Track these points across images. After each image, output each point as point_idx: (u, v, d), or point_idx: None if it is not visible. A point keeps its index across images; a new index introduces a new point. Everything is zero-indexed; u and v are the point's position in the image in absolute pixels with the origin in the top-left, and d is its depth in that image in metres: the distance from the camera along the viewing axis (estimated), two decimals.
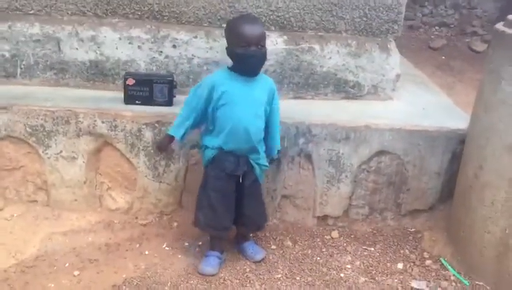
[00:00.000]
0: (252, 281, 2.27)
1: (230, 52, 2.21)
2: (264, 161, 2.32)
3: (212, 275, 2.27)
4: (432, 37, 6.45)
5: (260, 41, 2.15)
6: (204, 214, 2.29)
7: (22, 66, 2.68)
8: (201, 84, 2.25)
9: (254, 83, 2.22)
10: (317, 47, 2.75)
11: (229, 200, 2.28)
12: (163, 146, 2.40)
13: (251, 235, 2.48)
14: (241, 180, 2.27)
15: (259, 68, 2.22)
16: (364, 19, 2.79)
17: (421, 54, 5.74)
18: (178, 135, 2.26)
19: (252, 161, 2.27)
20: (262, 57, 2.19)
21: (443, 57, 5.77)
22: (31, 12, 2.68)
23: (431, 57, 5.74)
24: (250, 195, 2.32)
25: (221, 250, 2.35)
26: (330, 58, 2.77)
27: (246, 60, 2.15)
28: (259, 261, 2.37)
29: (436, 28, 6.69)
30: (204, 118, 2.26)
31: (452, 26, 6.72)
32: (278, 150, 2.40)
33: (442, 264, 2.42)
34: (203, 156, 2.32)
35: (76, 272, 2.26)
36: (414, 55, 5.51)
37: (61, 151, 2.51)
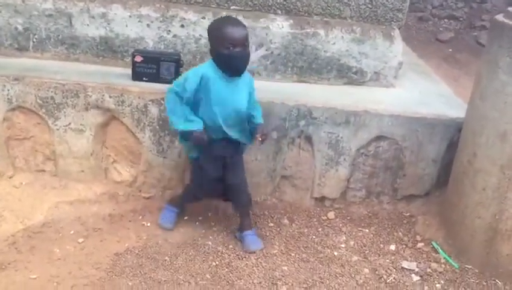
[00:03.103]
0: (247, 255, 2.36)
1: (215, 53, 2.23)
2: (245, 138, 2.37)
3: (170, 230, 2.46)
4: (440, 29, 6.44)
5: (244, 42, 2.19)
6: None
7: (34, 40, 2.76)
8: (189, 75, 2.23)
9: (237, 82, 2.27)
10: (322, 32, 2.81)
11: (219, 184, 2.39)
12: (204, 141, 2.26)
13: (252, 223, 2.49)
14: (228, 160, 2.36)
15: (244, 69, 2.25)
16: (370, 6, 2.84)
17: (429, 46, 5.76)
18: (201, 126, 2.25)
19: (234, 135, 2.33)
20: (246, 58, 2.23)
21: (450, 50, 5.78)
22: None
23: (438, 49, 5.75)
24: (233, 170, 2.40)
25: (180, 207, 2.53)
26: (334, 43, 2.83)
27: (231, 61, 2.19)
28: (253, 252, 2.38)
29: (445, 20, 6.68)
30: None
31: (461, 19, 6.70)
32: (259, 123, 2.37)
33: (434, 247, 2.49)
34: (189, 149, 2.41)
35: (80, 240, 2.36)
36: (422, 46, 5.54)
37: (69, 124, 2.60)
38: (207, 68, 2.25)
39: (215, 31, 2.23)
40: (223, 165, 2.36)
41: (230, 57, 2.18)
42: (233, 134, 2.30)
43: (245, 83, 2.31)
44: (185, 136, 2.29)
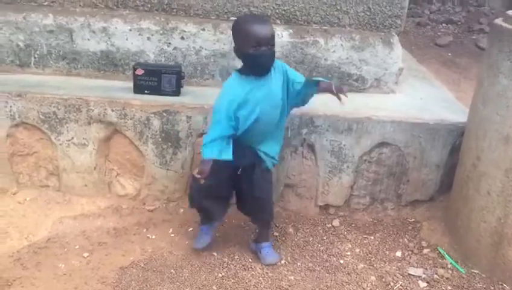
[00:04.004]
0: (253, 266, 2.35)
1: (239, 52, 2.16)
2: (275, 152, 2.32)
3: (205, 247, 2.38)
4: (439, 34, 6.48)
5: (270, 41, 2.11)
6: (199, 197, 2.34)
7: (36, 56, 2.78)
8: (222, 103, 2.15)
9: (268, 79, 2.20)
10: (321, 40, 2.82)
11: (227, 186, 2.31)
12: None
13: (270, 236, 2.46)
14: (239, 172, 2.25)
15: (269, 68, 2.18)
16: (368, 13, 2.86)
17: (428, 51, 5.78)
18: (230, 156, 2.16)
19: (260, 153, 2.27)
20: (272, 57, 2.15)
21: (449, 54, 5.80)
22: (45, 3, 2.78)
23: (437, 53, 5.77)
24: (256, 184, 2.29)
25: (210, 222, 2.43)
26: (334, 51, 2.84)
27: (257, 60, 2.11)
28: (270, 265, 2.35)
29: (443, 25, 6.72)
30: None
31: (459, 23, 6.75)
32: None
33: (440, 253, 2.48)
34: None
35: (85, 254, 2.36)
36: (420, 51, 5.57)
37: (72, 138, 2.61)
38: (234, 84, 2.17)
39: (241, 30, 2.13)
40: (239, 176, 2.27)
41: (256, 57, 2.09)
42: (263, 145, 2.25)
43: (277, 73, 2.21)
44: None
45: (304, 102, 2.36)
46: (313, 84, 2.28)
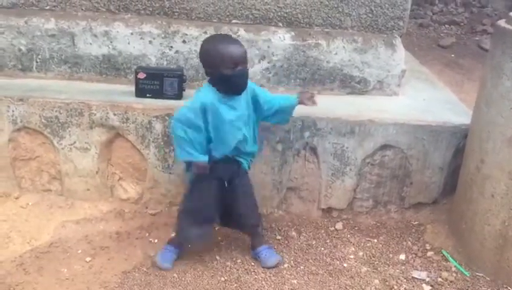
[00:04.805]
0: (256, 270, 2.34)
1: (215, 75, 2.15)
2: (250, 152, 2.33)
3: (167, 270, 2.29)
4: (442, 35, 6.46)
5: (245, 59, 2.14)
6: (188, 229, 2.31)
7: (38, 60, 2.78)
8: (192, 106, 2.17)
9: (238, 97, 2.21)
10: (323, 43, 2.81)
11: (214, 207, 2.28)
12: (206, 170, 2.22)
13: (266, 239, 2.47)
14: (226, 184, 2.26)
15: (246, 86, 2.19)
16: (370, 15, 2.85)
17: (430, 52, 5.77)
18: (205, 159, 2.19)
19: (238, 158, 2.29)
20: (247, 75, 2.18)
21: (452, 55, 5.79)
22: (47, 7, 2.78)
23: (440, 55, 5.76)
24: (240, 194, 2.31)
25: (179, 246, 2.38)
26: (336, 54, 2.83)
27: (235, 80, 2.12)
28: (272, 267, 2.34)
29: (446, 26, 6.70)
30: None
31: (462, 24, 6.72)
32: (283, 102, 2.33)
33: (444, 255, 2.47)
34: (188, 173, 2.31)
35: (88, 259, 2.35)
36: (423, 53, 5.55)
37: (74, 142, 2.60)
38: (205, 95, 2.16)
39: (213, 52, 2.13)
40: (226, 189, 2.27)
41: (233, 77, 2.11)
42: (242, 156, 2.28)
43: (245, 95, 2.25)
44: (187, 167, 2.27)
45: (286, 119, 2.40)
46: (293, 101, 2.34)
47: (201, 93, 2.20)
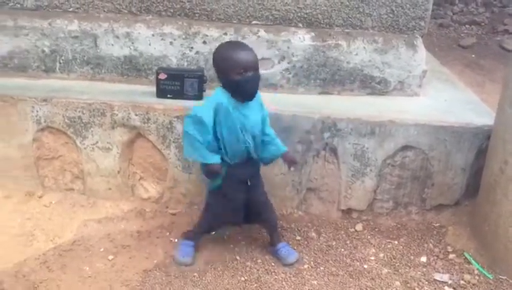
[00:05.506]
0: (276, 270, 2.34)
1: (225, 80, 2.19)
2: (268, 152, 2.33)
3: (188, 265, 2.35)
4: (462, 35, 6.38)
5: (255, 66, 2.16)
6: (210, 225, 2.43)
7: (61, 61, 2.82)
8: (204, 107, 2.20)
9: (249, 104, 2.23)
10: (343, 43, 2.81)
11: (241, 209, 2.34)
12: (220, 171, 2.22)
13: (281, 237, 2.50)
14: (248, 182, 2.30)
15: (256, 92, 2.21)
16: (391, 15, 2.83)
17: (451, 53, 5.70)
18: (218, 160, 2.20)
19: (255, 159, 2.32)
20: (258, 82, 2.20)
21: (473, 56, 5.71)
22: (70, 9, 2.82)
23: (460, 55, 5.69)
24: (259, 192, 2.38)
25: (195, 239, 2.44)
26: (356, 54, 2.82)
27: (244, 86, 2.15)
28: (292, 264, 2.37)
29: (466, 26, 6.61)
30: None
31: (483, 24, 6.62)
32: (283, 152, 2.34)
33: (466, 258, 2.44)
34: (210, 181, 2.32)
35: (110, 257, 2.38)
36: (443, 53, 5.49)
37: (97, 142, 2.64)
38: (220, 97, 2.19)
39: (224, 58, 2.18)
40: (248, 188, 2.31)
41: (243, 83, 2.13)
42: (254, 156, 2.29)
43: (256, 102, 2.27)
44: (202, 167, 2.28)
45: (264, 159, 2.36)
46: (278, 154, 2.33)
47: (216, 95, 2.23)
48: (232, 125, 2.18)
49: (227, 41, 2.47)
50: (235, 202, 2.31)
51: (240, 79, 2.13)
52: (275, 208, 2.49)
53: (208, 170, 2.22)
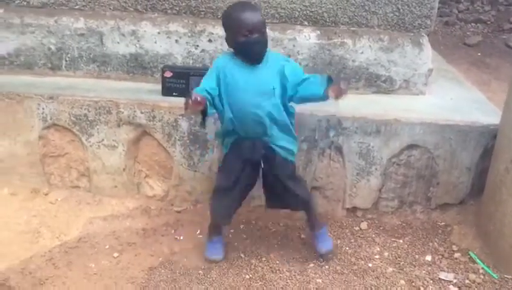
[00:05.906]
0: (281, 268, 2.34)
1: (231, 41, 2.15)
2: (288, 144, 2.26)
3: (218, 261, 2.34)
4: (468, 33, 6.36)
5: (262, 27, 2.10)
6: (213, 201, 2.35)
7: (67, 59, 2.83)
8: (209, 72, 2.21)
9: (259, 67, 2.16)
10: (349, 42, 2.80)
11: (238, 189, 2.27)
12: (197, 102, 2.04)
13: (322, 222, 2.46)
14: (262, 165, 2.23)
15: (262, 55, 2.15)
16: (397, 14, 2.82)
17: (456, 51, 5.68)
18: (202, 92, 2.09)
19: (273, 145, 2.23)
20: (265, 44, 2.13)
21: (479, 54, 5.69)
22: (76, 7, 2.83)
23: (466, 53, 5.67)
24: (282, 178, 2.26)
25: (221, 234, 2.41)
26: (362, 52, 2.81)
27: (249, 48, 2.10)
28: (326, 255, 2.37)
29: (472, 24, 6.59)
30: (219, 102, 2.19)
31: (489, 22, 6.60)
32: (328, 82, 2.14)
33: (471, 257, 2.43)
34: (222, 144, 2.34)
35: (115, 254, 2.39)
36: (449, 51, 5.48)
37: (102, 140, 2.65)
38: (222, 59, 2.17)
39: (231, 19, 2.13)
40: (263, 172, 2.25)
41: (248, 44, 2.08)
42: (268, 132, 2.19)
43: (272, 66, 2.16)
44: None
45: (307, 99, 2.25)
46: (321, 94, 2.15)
47: (218, 59, 2.22)
48: (236, 83, 2.12)
49: (236, 2, 2.33)
50: (229, 176, 2.23)
51: (244, 40, 2.08)
52: (306, 188, 2.43)
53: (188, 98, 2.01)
